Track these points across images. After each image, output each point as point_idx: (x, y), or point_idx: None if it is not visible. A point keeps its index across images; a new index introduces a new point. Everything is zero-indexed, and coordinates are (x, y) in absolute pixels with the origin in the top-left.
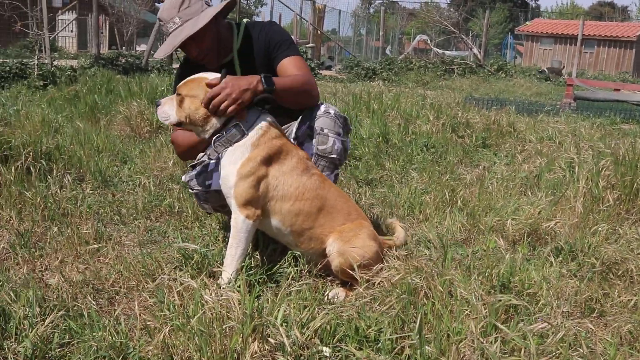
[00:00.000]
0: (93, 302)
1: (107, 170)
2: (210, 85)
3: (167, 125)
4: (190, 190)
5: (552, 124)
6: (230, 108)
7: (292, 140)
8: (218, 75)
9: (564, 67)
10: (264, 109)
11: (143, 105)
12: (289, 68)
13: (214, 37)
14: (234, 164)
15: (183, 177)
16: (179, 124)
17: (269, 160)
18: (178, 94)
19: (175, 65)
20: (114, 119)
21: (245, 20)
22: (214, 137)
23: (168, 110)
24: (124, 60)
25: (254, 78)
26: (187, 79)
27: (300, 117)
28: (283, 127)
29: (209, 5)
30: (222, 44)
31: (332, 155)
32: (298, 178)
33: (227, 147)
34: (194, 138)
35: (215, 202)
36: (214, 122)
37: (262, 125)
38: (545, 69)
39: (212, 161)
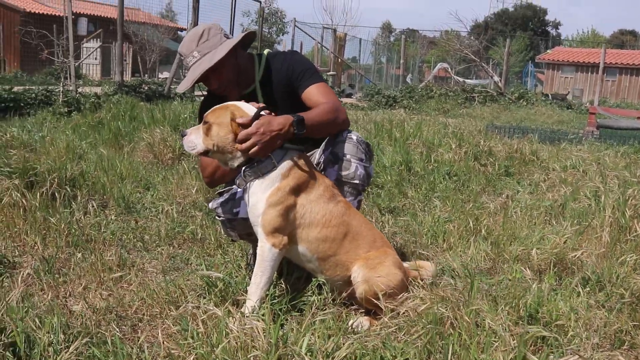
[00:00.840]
0: (116, 329)
1: (130, 196)
2: (242, 125)
3: (193, 155)
4: (217, 218)
5: (575, 152)
6: (260, 153)
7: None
8: (250, 108)
9: (568, 93)
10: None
11: (166, 132)
12: (315, 96)
13: (233, 69)
14: (263, 192)
15: (210, 204)
16: (205, 153)
17: (298, 189)
18: (205, 122)
19: (198, 92)
20: (137, 146)
21: (267, 50)
22: (244, 167)
23: (194, 140)
24: (146, 88)
25: (287, 121)
26: (216, 107)
27: (323, 143)
28: (308, 153)
29: (227, 38)
30: (243, 75)
31: (355, 181)
32: (325, 205)
33: (257, 178)
34: (222, 173)
35: (242, 230)
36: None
37: (292, 156)
38: (549, 94)
39: (239, 189)
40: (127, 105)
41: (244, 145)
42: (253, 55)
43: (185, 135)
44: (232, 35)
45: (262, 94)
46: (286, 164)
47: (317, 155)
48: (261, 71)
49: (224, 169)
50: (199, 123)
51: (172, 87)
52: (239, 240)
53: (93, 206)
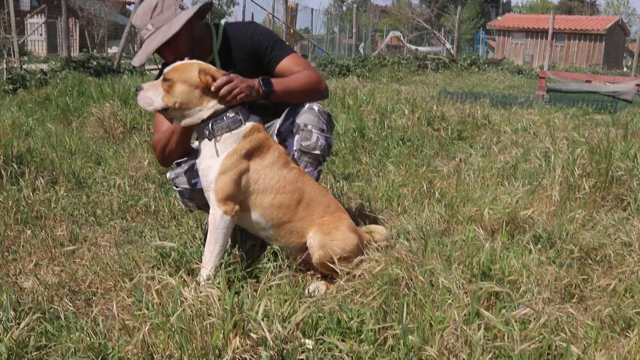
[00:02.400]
0: (70, 304)
1: (80, 172)
2: (212, 77)
3: (149, 111)
4: (174, 188)
5: (526, 115)
6: (241, 95)
7: (274, 136)
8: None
9: (504, 57)
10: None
11: (116, 107)
12: (291, 67)
13: (189, 41)
14: (219, 155)
15: (167, 174)
16: (163, 110)
17: (252, 154)
18: (166, 79)
19: (148, 67)
20: (86, 121)
21: (224, 20)
22: (212, 121)
23: (152, 96)
24: (95, 63)
25: (254, 80)
26: (176, 64)
27: (284, 113)
28: (266, 124)
29: (182, 9)
30: (199, 46)
31: (316, 152)
32: (279, 171)
33: (224, 133)
34: (176, 143)
35: (200, 200)
36: (214, 103)
37: (254, 119)
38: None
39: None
40: (74, 81)
41: (226, 87)
42: (209, 26)
43: (141, 91)
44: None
45: (222, 65)
46: (249, 124)
47: (277, 124)
48: (219, 42)
49: (170, 145)
50: None
51: (122, 61)
52: (196, 211)
53: (42, 182)
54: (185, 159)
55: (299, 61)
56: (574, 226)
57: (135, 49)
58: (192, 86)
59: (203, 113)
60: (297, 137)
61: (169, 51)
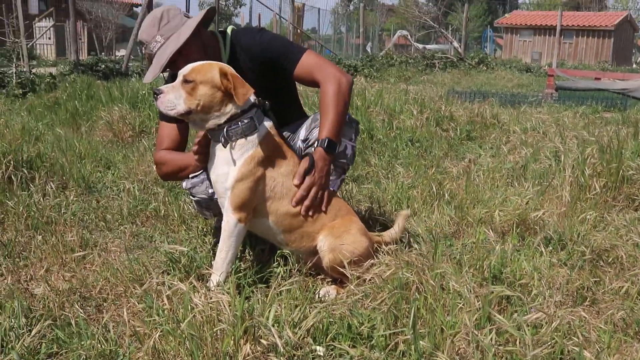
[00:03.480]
0: (81, 311)
1: (90, 176)
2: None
3: (172, 115)
4: (191, 197)
5: (535, 114)
6: (323, 190)
7: (301, 142)
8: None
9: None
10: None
11: (125, 110)
12: (307, 71)
13: (200, 48)
14: (236, 161)
15: (184, 184)
16: (186, 114)
17: (268, 160)
18: (188, 81)
19: None
20: (95, 125)
21: (230, 27)
22: (227, 127)
23: (174, 99)
24: (103, 66)
25: (321, 154)
26: (195, 65)
27: (310, 118)
28: (291, 125)
29: (188, 17)
30: (209, 54)
31: (342, 160)
32: (292, 178)
33: (240, 139)
34: (181, 162)
35: (218, 209)
36: (231, 108)
37: (269, 124)
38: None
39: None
40: (83, 84)
41: (307, 202)
42: (215, 34)
43: (162, 94)
44: (189, 13)
45: None
46: (264, 130)
47: (302, 130)
48: (227, 51)
49: (180, 175)
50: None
51: (130, 64)
52: (213, 219)
53: (52, 187)
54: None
55: (313, 62)
56: (585, 227)
57: (145, 52)
58: (215, 88)
59: (220, 118)
60: None
61: (182, 60)
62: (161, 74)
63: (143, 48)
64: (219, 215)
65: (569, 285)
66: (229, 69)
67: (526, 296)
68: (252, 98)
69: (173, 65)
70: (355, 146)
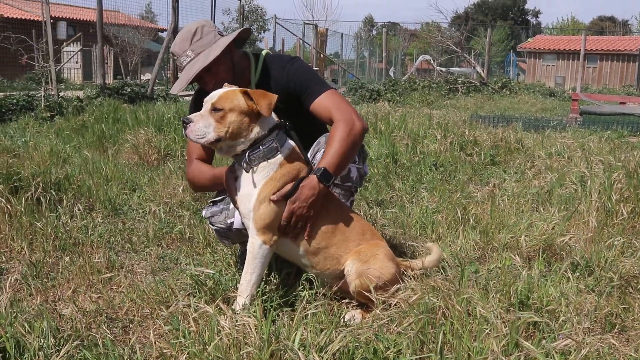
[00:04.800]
0: (107, 332)
1: (116, 198)
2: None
3: (202, 144)
4: (210, 226)
5: (559, 139)
6: (305, 217)
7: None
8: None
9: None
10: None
11: (150, 133)
12: (325, 108)
13: (229, 67)
14: (258, 183)
15: (203, 213)
16: (216, 142)
17: (288, 181)
18: (217, 109)
19: (181, 93)
20: (121, 148)
21: (265, 51)
22: (249, 151)
23: (204, 128)
24: (129, 90)
25: (313, 181)
26: (220, 92)
27: (314, 144)
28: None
29: (222, 35)
30: (238, 75)
31: (348, 184)
32: None
33: (261, 162)
34: (210, 179)
35: (236, 239)
36: (256, 132)
37: (290, 146)
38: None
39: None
40: (110, 108)
41: (284, 223)
42: (248, 55)
43: (192, 123)
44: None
45: None
46: (286, 151)
47: (309, 152)
48: (258, 73)
49: (210, 189)
50: (193, 112)
51: (155, 88)
52: (232, 246)
53: (79, 209)
54: (220, 197)
55: (333, 100)
56: (612, 253)
57: (169, 76)
58: (243, 113)
59: (246, 143)
60: None
61: (209, 78)
62: (192, 85)
63: (175, 59)
64: (238, 244)
65: (598, 312)
66: (250, 90)
67: (554, 323)
68: (275, 118)
69: (201, 81)
70: (362, 168)
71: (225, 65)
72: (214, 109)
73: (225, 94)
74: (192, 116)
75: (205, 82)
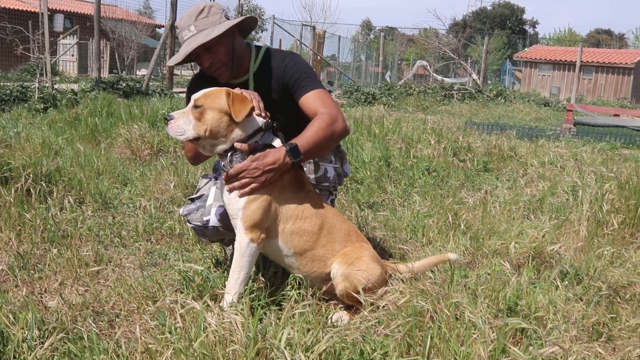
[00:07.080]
0: (93, 325)
1: (107, 192)
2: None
3: (181, 140)
4: (187, 224)
5: (553, 148)
6: (251, 192)
7: None
8: (244, 93)
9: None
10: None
11: (144, 128)
12: (313, 103)
13: (228, 51)
14: None
15: (180, 210)
16: (195, 140)
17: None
18: (197, 106)
19: (177, 89)
20: (114, 142)
21: (267, 45)
22: (231, 152)
23: (183, 125)
24: (124, 84)
25: (280, 153)
26: (206, 90)
27: None
28: None
29: (228, 19)
30: (237, 61)
31: (325, 184)
32: (295, 195)
33: None
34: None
35: (213, 236)
36: (237, 133)
37: (277, 144)
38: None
39: (211, 190)
40: (104, 102)
41: (232, 185)
42: (250, 45)
43: (172, 120)
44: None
45: (255, 88)
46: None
47: None
48: (257, 63)
49: (202, 157)
50: (187, 104)
51: (150, 84)
52: (211, 244)
53: (69, 202)
54: (198, 195)
55: (323, 98)
56: (602, 263)
57: (165, 72)
58: (222, 112)
59: (227, 143)
60: (305, 169)
61: (207, 56)
62: (191, 65)
63: (177, 33)
64: (216, 241)
65: (585, 321)
66: (235, 91)
67: (542, 330)
68: (261, 122)
69: (198, 59)
70: (340, 167)
71: (225, 47)
72: (195, 106)
73: (209, 92)
74: (174, 113)
75: (201, 60)
